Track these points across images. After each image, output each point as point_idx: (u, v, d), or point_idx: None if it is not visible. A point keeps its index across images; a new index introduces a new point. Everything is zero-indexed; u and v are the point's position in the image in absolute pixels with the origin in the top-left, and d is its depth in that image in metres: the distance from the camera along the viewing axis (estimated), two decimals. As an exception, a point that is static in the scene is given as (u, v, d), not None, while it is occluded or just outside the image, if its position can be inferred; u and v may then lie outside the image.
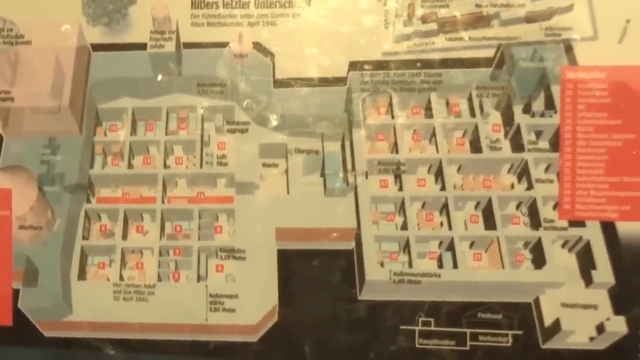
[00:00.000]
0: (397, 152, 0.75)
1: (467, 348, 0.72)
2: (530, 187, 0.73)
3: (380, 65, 0.75)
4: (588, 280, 0.70)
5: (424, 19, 0.73)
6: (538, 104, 0.73)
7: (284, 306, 0.74)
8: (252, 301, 0.74)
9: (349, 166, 0.74)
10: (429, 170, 0.76)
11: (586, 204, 0.71)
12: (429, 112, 0.76)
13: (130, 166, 0.77)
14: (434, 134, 0.75)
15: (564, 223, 0.71)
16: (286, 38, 0.75)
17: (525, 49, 0.73)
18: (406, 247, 0.73)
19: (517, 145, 0.74)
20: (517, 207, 0.74)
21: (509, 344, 0.71)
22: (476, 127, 0.75)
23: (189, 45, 0.76)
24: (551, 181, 0.72)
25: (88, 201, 0.77)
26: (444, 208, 0.74)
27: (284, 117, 0.75)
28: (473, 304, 0.72)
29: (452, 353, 0.72)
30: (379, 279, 0.72)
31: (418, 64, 0.74)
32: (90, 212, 0.77)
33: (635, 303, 0.70)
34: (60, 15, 0.77)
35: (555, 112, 0.72)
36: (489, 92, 0.75)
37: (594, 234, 0.71)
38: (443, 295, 0.72)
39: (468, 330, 0.72)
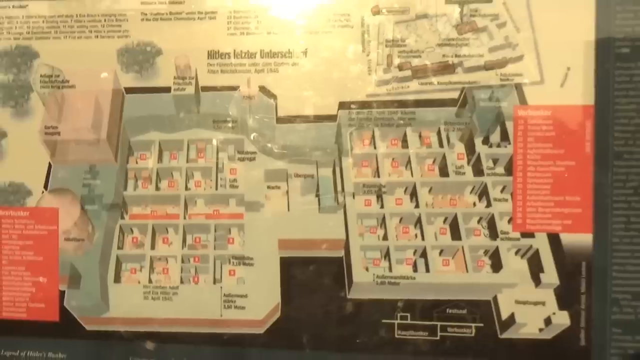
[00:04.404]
0: (378, 176, 0.77)
1: (438, 338, 0.75)
2: (489, 205, 0.75)
3: (364, 105, 0.77)
4: (537, 282, 0.74)
5: (400, 67, 0.76)
6: (495, 137, 0.76)
7: (285, 304, 0.76)
8: (259, 300, 0.76)
9: (339, 188, 0.76)
10: (405, 191, 0.78)
11: (535, 218, 0.74)
12: (405, 143, 0.77)
13: (157, 188, 0.80)
14: (409, 162, 0.77)
15: (517, 234, 0.74)
16: (286, 83, 0.77)
17: (485, 91, 0.75)
18: (387, 254, 0.76)
19: (478, 170, 0.76)
20: (478, 221, 0.76)
21: (472, 334, 0.74)
22: (444, 156, 0.77)
23: (206, 89, 0.78)
24: (506, 200, 0.75)
25: (122, 217, 0.79)
26: (418, 222, 0.76)
27: (285, 148, 0.77)
28: (442, 301, 0.75)
29: (425, 342, 0.75)
30: (364, 281, 0.74)
31: (396, 104, 0.76)
32: (124, 226, 0.79)
33: (576, 300, 0.73)
34: (99, 64, 0.80)
35: (509, 143, 0.74)
36: (455, 127, 0.77)
37: (541, 244, 0.74)
38: (418, 294, 0.75)
39: (438, 323, 0.75)
